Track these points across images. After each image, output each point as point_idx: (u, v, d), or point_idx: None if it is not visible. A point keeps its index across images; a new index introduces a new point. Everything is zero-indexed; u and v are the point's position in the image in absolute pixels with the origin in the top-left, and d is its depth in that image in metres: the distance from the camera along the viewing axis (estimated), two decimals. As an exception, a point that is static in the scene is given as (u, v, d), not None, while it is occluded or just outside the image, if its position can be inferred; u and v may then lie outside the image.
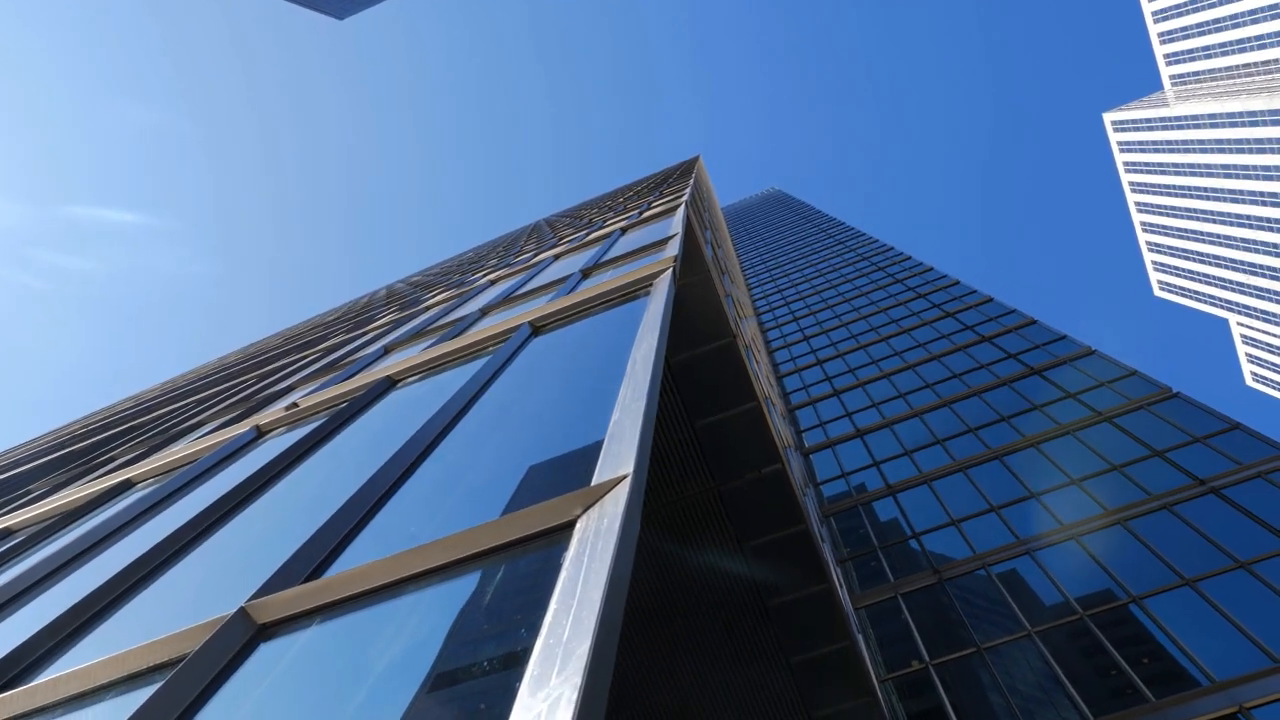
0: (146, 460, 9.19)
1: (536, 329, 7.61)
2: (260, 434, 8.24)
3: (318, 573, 3.42)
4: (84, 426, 30.59)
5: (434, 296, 20.81)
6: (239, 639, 2.97)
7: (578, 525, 2.71)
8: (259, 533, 4.45)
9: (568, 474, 3.30)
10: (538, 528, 2.85)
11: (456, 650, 2.32)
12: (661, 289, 6.49)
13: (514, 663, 2.09)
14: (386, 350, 11.45)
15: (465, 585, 2.71)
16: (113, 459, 11.92)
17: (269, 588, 3.22)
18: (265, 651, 2.89)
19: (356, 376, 9.57)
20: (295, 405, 8.69)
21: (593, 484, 2.90)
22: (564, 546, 2.63)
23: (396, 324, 15.91)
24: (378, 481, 4.28)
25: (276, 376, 15.13)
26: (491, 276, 17.70)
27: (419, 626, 2.56)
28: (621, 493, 2.70)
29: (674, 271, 7.15)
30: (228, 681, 2.76)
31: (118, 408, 43.53)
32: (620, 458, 3.05)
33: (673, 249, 8.92)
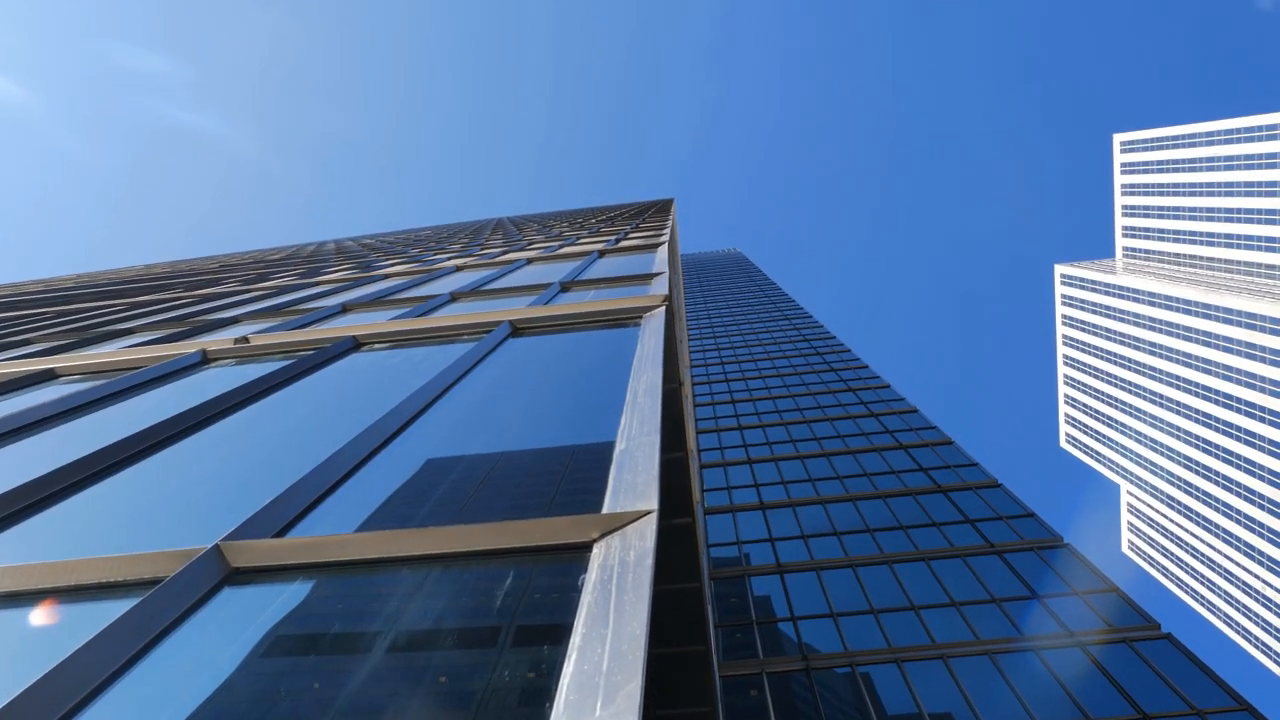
0: (72, 354, 8.75)
1: (517, 329, 7.53)
2: (207, 359, 7.92)
3: (290, 527, 3.29)
4: (-14, 297, 29.04)
5: (392, 266, 20.45)
6: (211, 578, 2.82)
7: (595, 550, 2.67)
8: (216, 466, 4.26)
9: (568, 491, 3.25)
10: (549, 541, 2.80)
11: (460, 649, 2.25)
12: (657, 325, 6.50)
13: (537, 681, 2.03)
14: (345, 308, 11.18)
15: (469, 581, 2.64)
16: (27, 341, 11.32)
17: (243, 532, 3.08)
18: (234, 596, 2.76)
19: (314, 327, 9.32)
20: (246, 340, 8.39)
21: (610, 511, 2.87)
22: (581, 568, 2.58)
23: (354, 283, 15.55)
24: (354, 447, 4.15)
25: (220, 302, 14.61)
26: (458, 262, 17.47)
27: (419, 613, 2.47)
28: (647, 528, 2.67)
29: (668, 309, 7.18)
30: (193, 617, 2.62)
31: (24, 288, 41.48)
32: (639, 490, 3.02)
33: (661, 287, 8.95)
